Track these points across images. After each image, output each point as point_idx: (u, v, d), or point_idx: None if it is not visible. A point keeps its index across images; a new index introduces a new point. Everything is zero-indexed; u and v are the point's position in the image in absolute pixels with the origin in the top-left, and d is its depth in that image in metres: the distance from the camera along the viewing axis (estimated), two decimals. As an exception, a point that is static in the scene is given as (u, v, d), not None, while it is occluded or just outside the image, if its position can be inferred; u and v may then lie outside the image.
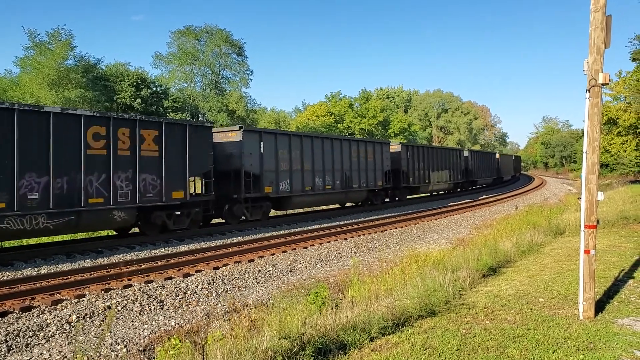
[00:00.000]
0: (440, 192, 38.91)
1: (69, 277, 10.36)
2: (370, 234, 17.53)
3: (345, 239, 16.22)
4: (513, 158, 67.97)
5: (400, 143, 30.37)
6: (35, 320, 7.87)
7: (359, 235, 17.03)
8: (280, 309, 7.78)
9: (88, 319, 8.15)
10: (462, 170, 39.71)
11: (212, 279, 10.67)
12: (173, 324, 8.24)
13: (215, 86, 54.80)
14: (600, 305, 6.68)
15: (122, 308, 8.70)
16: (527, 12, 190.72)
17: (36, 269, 11.25)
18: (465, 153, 42.06)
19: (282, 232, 17.55)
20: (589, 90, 6.04)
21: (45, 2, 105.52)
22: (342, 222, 20.44)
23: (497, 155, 54.79)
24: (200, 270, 11.35)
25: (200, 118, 50.23)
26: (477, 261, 9.78)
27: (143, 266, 11.41)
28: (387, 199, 29.64)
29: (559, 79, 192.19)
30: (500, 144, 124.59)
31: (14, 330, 7.40)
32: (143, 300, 9.11)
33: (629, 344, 5.30)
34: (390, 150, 28.92)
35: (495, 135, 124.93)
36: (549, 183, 58.27)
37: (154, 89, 43.10)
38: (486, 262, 9.75)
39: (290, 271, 12.14)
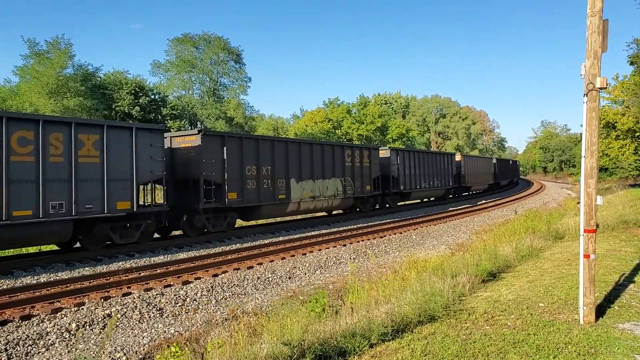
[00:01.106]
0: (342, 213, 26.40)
1: (69, 285, 10.34)
2: (369, 239, 17.51)
3: (344, 245, 16.19)
4: (494, 162, 52.67)
5: (204, 131, 16.72)
6: (35, 328, 7.84)
7: (358, 242, 17.01)
8: (280, 315, 7.75)
9: (88, 327, 8.12)
10: (375, 179, 26.40)
11: (211, 286, 10.64)
12: (172, 331, 8.21)
13: (214, 93, 54.96)
14: (600, 310, 6.67)
15: (122, 316, 8.66)
16: (525, 16, 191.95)
17: (36, 278, 11.21)
18: (385, 153, 28.39)
19: (281, 238, 17.52)
20: (586, 94, 6.06)
21: (44, 11, 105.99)
22: (340, 229, 20.42)
23: (458, 157, 39.62)
24: (199, 278, 11.32)
25: (199, 125, 50.33)
26: (476, 266, 9.76)
27: (142, 274, 11.38)
28: (175, 232, 17.67)
29: (557, 83, 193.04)
30: (499, 149, 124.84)
31: (13, 339, 7.36)
32: (142, 308, 9.08)
33: (630, 349, 5.29)
34: (182, 145, 16.89)
35: (494, 140, 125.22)
36: (548, 187, 58.29)
37: (153, 96, 43.19)
38: (486, 268, 9.73)
39: (290, 278, 12.11)
